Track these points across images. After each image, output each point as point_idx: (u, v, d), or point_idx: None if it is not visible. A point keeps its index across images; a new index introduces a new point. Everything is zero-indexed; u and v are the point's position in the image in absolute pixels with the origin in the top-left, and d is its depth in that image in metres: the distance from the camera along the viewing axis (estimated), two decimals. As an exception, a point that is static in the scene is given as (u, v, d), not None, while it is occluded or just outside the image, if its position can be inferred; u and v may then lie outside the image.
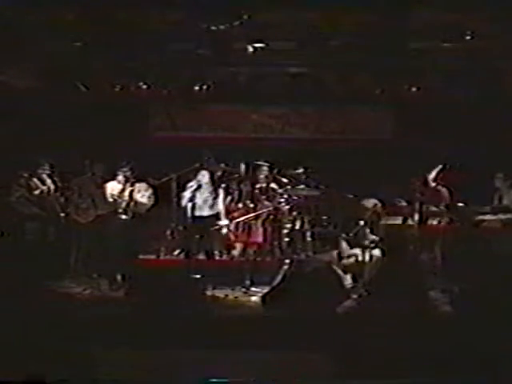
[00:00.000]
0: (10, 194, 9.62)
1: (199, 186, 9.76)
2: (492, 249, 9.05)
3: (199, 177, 9.82)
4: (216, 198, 9.90)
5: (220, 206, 9.87)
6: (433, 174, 9.65)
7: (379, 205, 8.90)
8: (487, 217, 9.56)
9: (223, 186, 10.11)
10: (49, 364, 6.35)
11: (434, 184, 9.66)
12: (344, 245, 8.72)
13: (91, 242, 9.40)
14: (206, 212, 9.86)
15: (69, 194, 9.78)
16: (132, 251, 9.55)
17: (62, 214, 9.71)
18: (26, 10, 8.33)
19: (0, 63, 9.44)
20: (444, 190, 9.66)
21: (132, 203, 9.65)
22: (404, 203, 9.49)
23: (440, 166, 9.63)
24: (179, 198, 9.95)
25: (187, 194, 9.73)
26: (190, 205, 9.71)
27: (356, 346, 6.86)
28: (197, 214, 9.81)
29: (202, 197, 9.80)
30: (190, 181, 9.89)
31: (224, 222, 9.79)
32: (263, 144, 11.21)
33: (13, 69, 9.92)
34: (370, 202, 8.90)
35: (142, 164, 10.00)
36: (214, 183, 9.99)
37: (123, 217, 9.58)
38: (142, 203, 9.77)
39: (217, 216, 9.89)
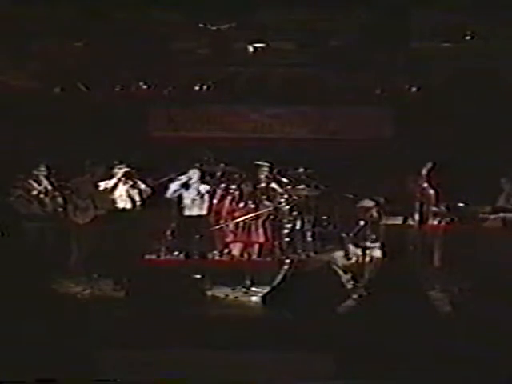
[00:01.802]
0: (10, 195, 9.62)
1: (187, 184, 9.79)
2: (492, 249, 9.05)
3: (190, 173, 9.86)
4: (203, 197, 9.93)
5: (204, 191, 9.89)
6: (423, 172, 9.65)
7: (373, 205, 8.88)
8: (488, 217, 9.57)
9: (210, 185, 10.14)
10: (49, 364, 6.35)
11: (425, 184, 9.67)
12: (350, 246, 8.70)
13: (91, 242, 9.41)
14: (195, 211, 9.89)
15: (68, 193, 9.78)
16: (132, 251, 9.55)
17: (62, 214, 9.72)
18: (26, 10, 8.33)
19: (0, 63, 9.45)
20: (431, 192, 9.67)
21: (135, 191, 9.71)
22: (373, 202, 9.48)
23: (429, 165, 9.63)
24: (180, 199, 9.97)
25: (173, 186, 9.78)
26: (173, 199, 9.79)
27: (356, 345, 6.86)
28: (186, 213, 9.84)
29: (190, 196, 9.83)
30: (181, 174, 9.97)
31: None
32: (263, 144, 11.21)
33: (12, 69, 9.92)
34: (365, 203, 8.90)
35: (142, 164, 10.00)
36: (204, 182, 10.02)
37: (128, 206, 9.64)
38: (145, 190, 9.82)
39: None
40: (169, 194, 9.85)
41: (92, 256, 9.26)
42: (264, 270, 9.07)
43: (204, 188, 9.93)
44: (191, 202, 9.87)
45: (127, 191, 9.72)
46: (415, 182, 9.61)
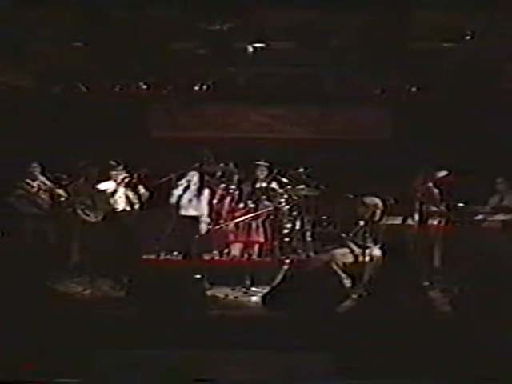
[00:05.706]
0: (10, 194, 9.63)
1: (188, 186, 9.82)
2: (492, 249, 9.05)
3: (189, 176, 9.88)
4: (200, 198, 9.93)
5: (203, 203, 9.87)
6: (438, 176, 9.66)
7: (380, 204, 8.83)
8: (487, 217, 9.57)
9: (207, 186, 10.13)
10: (49, 364, 6.35)
11: (430, 184, 9.67)
12: (351, 246, 8.66)
13: (92, 242, 9.41)
14: (190, 212, 9.89)
15: (71, 191, 9.80)
16: (132, 251, 9.55)
17: (62, 214, 9.73)
18: (26, 10, 8.33)
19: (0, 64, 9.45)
20: (436, 191, 9.67)
21: (134, 195, 9.70)
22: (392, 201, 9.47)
23: (445, 172, 9.65)
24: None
25: (177, 192, 9.81)
26: (176, 203, 9.81)
27: (356, 346, 6.85)
28: (182, 213, 9.85)
29: (187, 197, 9.85)
30: (180, 179, 9.97)
31: (206, 219, 9.83)
32: (263, 144, 11.21)
33: (12, 69, 9.92)
34: (370, 200, 8.84)
35: (142, 164, 10.00)
36: (202, 184, 10.02)
37: (127, 208, 9.64)
38: (144, 194, 9.82)
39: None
40: (173, 200, 9.87)
41: (92, 256, 9.25)
42: (264, 270, 9.07)
43: (205, 197, 9.91)
44: (187, 202, 9.88)
45: (126, 194, 9.73)
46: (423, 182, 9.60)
